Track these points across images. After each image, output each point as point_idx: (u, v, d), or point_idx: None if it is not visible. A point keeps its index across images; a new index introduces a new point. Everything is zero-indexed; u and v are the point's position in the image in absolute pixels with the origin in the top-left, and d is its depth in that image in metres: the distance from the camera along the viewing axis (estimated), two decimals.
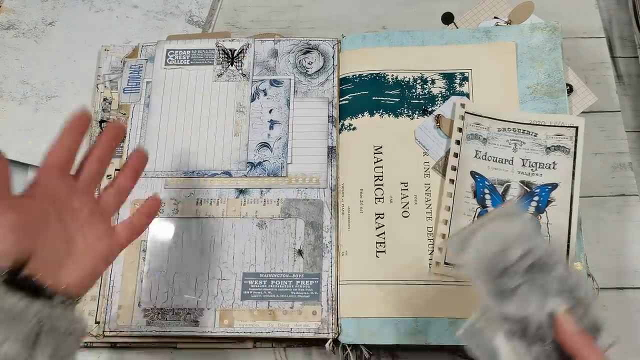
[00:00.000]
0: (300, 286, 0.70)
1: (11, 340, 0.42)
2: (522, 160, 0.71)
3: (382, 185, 0.73)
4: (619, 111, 0.78)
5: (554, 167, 0.71)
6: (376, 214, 0.72)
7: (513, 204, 0.60)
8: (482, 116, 0.73)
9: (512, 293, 0.51)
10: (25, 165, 0.79)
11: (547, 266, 0.51)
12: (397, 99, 0.76)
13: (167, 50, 0.81)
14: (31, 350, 0.43)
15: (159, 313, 0.70)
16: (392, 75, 0.77)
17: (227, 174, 0.75)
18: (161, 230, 0.73)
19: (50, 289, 0.47)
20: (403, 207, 0.72)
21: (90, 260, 0.52)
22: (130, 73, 0.81)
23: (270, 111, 0.78)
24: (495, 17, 0.82)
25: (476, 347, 0.52)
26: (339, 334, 0.68)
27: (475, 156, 0.72)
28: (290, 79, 0.79)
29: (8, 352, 0.42)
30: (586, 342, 0.50)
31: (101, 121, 0.79)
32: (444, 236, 0.69)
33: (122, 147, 0.77)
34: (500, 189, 0.71)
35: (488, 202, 0.70)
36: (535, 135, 0.72)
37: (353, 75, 0.78)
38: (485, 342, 0.52)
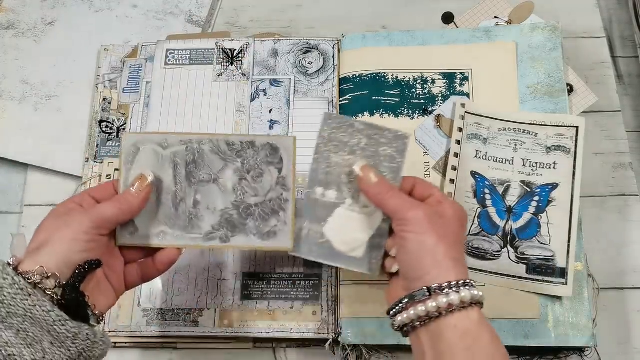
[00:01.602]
0: (300, 286, 0.70)
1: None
2: (523, 160, 0.71)
3: None
4: (620, 111, 0.78)
5: (554, 167, 0.71)
6: None
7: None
8: (482, 116, 0.73)
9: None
10: (24, 165, 0.79)
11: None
12: (397, 99, 0.76)
13: (167, 50, 0.81)
14: None
15: (158, 313, 0.70)
16: (392, 75, 0.77)
17: None
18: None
19: (95, 314, 0.52)
20: None
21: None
22: (130, 73, 0.81)
23: (270, 111, 0.78)
24: (495, 17, 0.82)
25: (309, 252, 0.59)
26: (338, 334, 0.68)
27: (476, 156, 0.72)
28: (290, 79, 0.79)
29: None
30: (384, 188, 0.55)
31: (101, 121, 0.79)
32: None
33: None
34: (500, 189, 0.71)
35: (488, 202, 0.70)
36: (535, 135, 0.72)
37: (353, 75, 0.78)
38: (314, 240, 0.59)
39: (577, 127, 0.71)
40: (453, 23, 0.84)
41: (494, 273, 0.68)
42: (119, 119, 0.79)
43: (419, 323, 0.50)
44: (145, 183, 0.57)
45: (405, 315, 0.50)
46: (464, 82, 0.76)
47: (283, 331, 0.69)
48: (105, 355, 0.51)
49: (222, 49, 0.81)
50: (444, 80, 0.77)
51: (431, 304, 0.49)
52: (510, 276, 0.68)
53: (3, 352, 0.45)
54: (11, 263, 0.49)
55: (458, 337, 0.48)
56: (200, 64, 0.81)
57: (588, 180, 0.72)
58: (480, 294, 0.49)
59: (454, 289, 0.49)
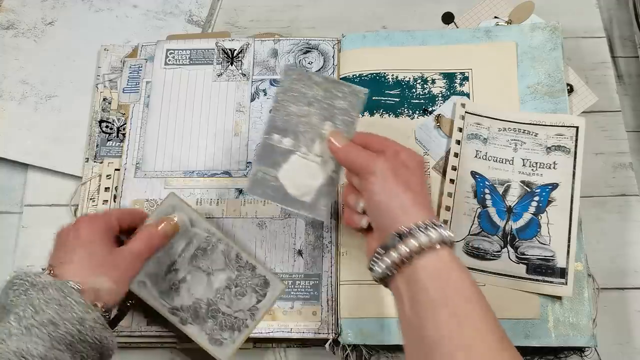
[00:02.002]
0: (300, 286, 0.70)
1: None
2: (523, 160, 0.71)
3: None
4: (620, 111, 0.78)
5: (554, 167, 0.71)
6: None
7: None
8: (482, 116, 0.73)
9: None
10: (24, 165, 0.79)
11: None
12: (397, 99, 0.76)
13: (167, 50, 0.81)
14: None
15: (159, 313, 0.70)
16: (393, 75, 0.77)
17: (227, 173, 0.75)
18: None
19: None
20: None
21: None
22: (130, 73, 0.81)
23: (270, 111, 0.78)
24: (495, 17, 0.82)
25: (263, 194, 0.63)
26: (338, 334, 0.68)
27: (476, 156, 0.72)
28: None
29: None
30: (350, 149, 0.59)
31: (101, 121, 0.79)
32: None
33: (122, 146, 0.77)
34: (500, 189, 0.71)
35: (488, 202, 0.70)
36: (535, 135, 0.72)
37: (353, 75, 0.78)
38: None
39: (577, 127, 0.71)
40: (453, 23, 0.84)
41: (494, 273, 0.68)
42: (119, 119, 0.79)
43: (395, 270, 0.52)
44: (172, 223, 0.66)
45: (382, 265, 0.53)
46: (464, 82, 0.76)
47: (283, 331, 0.69)
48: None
49: (222, 49, 0.81)
50: (444, 80, 0.77)
51: (402, 248, 0.51)
52: (510, 276, 0.67)
53: None
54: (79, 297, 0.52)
55: (429, 277, 0.50)
56: (200, 64, 0.80)
57: (588, 180, 0.72)
58: (450, 234, 0.51)
59: (422, 231, 0.50)
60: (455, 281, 0.50)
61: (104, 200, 0.75)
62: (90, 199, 0.75)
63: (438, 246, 0.50)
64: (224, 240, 0.69)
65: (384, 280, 0.54)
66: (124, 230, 0.63)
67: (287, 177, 0.63)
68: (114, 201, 0.75)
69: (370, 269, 0.55)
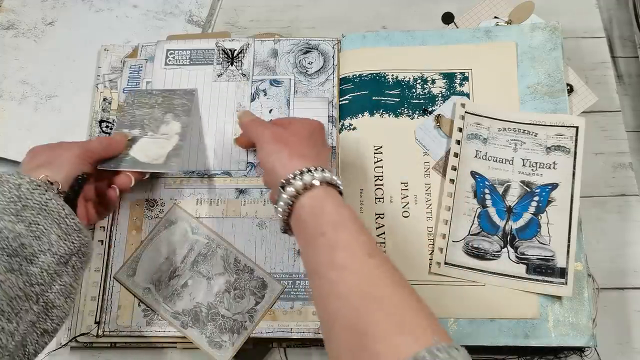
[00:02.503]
0: (300, 286, 0.70)
1: (52, 253, 0.53)
2: (523, 160, 0.71)
3: (382, 185, 0.73)
4: (619, 111, 0.78)
5: (554, 167, 0.71)
6: (376, 214, 0.72)
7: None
8: (482, 116, 0.73)
9: None
10: None
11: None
12: (397, 99, 0.76)
13: (167, 50, 0.81)
14: (62, 267, 0.54)
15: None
16: (392, 75, 0.77)
17: (227, 174, 0.75)
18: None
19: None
20: (403, 207, 0.72)
21: None
22: (130, 73, 0.81)
23: (270, 111, 0.78)
24: (495, 17, 0.82)
25: (116, 165, 0.69)
26: None
27: (476, 156, 0.72)
28: (290, 79, 0.79)
29: (45, 262, 0.52)
30: (251, 122, 0.68)
31: (101, 121, 0.79)
32: (444, 236, 0.69)
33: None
34: (500, 189, 0.71)
35: (488, 202, 0.70)
36: (535, 135, 0.72)
37: (353, 75, 0.78)
38: None
39: (577, 127, 0.71)
40: (453, 23, 0.84)
41: (493, 273, 0.68)
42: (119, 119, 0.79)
43: (287, 217, 0.58)
44: (125, 136, 0.71)
45: (278, 216, 0.58)
46: (464, 82, 0.76)
47: (283, 331, 0.68)
48: (91, 257, 0.59)
49: (222, 49, 0.81)
50: (444, 80, 0.77)
51: (283, 196, 0.56)
52: (510, 276, 0.67)
53: (16, 242, 0.51)
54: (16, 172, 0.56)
55: (307, 214, 0.56)
56: (200, 64, 0.80)
57: (588, 180, 0.72)
58: (325, 174, 0.57)
59: (298, 178, 0.56)
60: (329, 213, 0.55)
61: None
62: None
63: (317, 183, 0.56)
64: (222, 245, 0.72)
65: (287, 232, 0.60)
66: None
67: (138, 152, 0.71)
68: None
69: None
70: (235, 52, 0.81)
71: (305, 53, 0.80)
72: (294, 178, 0.56)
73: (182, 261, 0.71)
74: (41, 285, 0.52)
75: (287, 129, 0.64)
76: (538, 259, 0.68)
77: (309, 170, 0.57)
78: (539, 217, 0.69)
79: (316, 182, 0.56)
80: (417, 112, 0.76)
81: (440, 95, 0.76)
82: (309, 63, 0.80)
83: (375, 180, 0.73)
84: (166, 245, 0.72)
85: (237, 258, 0.71)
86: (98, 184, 0.67)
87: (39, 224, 0.53)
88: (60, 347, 0.70)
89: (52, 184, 0.57)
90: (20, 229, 0.51)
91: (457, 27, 0.83)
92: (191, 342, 0.69)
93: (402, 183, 0.73)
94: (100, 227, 0.74)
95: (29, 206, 0.53)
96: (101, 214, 0.68)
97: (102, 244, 0.73)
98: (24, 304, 0.50)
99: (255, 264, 0.71)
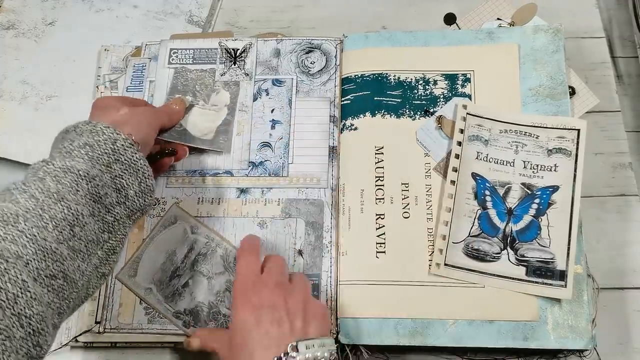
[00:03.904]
0: None
1: (126, 206, 0.58)
2: (524, 162, 0.72)
3: (383, 185, 0.73)
4: (619, 111, 0.78)
5: (555, 170, 0.71)
6: (377, 215, 0.72)
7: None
8: (483, 118, 0.73)
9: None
10: (25, 165, 0.79)
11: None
12: (399, 100, 0.76)
13: (171, 50, 0.81)
14: (128, 220, 0.59)
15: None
16: (394, 76, 0.77)
17: (229, 173, 0.75)
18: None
19: None
20: (404, 208, 0.72)
21: None
22: (134, 72, 0.81)
23: (272, 111, 0.78)
24: (498, 19, 0.82)
25: (169, 136, 0.75)
26: (338, 334, 0.68)
27: (477, 158, 0.72)
28: (292, 79, 0.79)
29: (119, 213, 0.57)
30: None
31: None
32: (444, 237, 0.69)
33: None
34: (501, 191, 0.71)
35: (489, 204, 0.70)
36: (536, 138, 0.72)
37: (355, 75, 0.78)
38: None
39: (578, 130, 0.72)
40: (455, 24, 0.83)
41: (493, 275, 0.68)
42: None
43: None
44: (184, 103, 0.76)
45: None
46: (465, 84, 0.76)
47: None
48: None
49: (225, 49, 0.81)
50: (446, 82, 0.77)
51: None
52: (509, 278, 0.68)
53: (103, 190, 0.55)
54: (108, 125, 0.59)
55: None
56: (203, 64, 0.80)
57: (588, 181, 0.72)
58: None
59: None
60: None
61: None
62: None
63: None
64: (222, 244, 0.72)
65: None
66: None
67: (190, 123, 0.76)
68: None
69: None
70: (238, 52, 0.81)
71: (307, 53, 0.80)
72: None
73: (182, 261, 0.71)
74: (110, 233, 0.56)
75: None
76: (538, 261, 0.68)
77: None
78: (540, 220, 0.69)
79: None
80: (418, 113, 0.76)
81: (442, 96, 0.76)
82: (311, 63, 0.80)
83: (376, 181, 0.73)
84: (166, 245, 0.72)
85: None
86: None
87: (122, 178, 0.57)
88: (60, 347, 0.70)
89: (136, 142, 0.60)
90: (107, 179, 0.56)
91: (460, 28, 0.83)
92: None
93: (402, 184, 0.73)
94: None
95: (120, 161, 0.57)
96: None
97: None
98: (95, 248, 0.54)
99: None
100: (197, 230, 0.72)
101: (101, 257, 0.55)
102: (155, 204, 0.74)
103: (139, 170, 0.58)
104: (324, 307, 0.61)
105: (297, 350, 0.54)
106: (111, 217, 0.56)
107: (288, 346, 0.54)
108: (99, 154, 0.56)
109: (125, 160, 0.57)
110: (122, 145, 0.58)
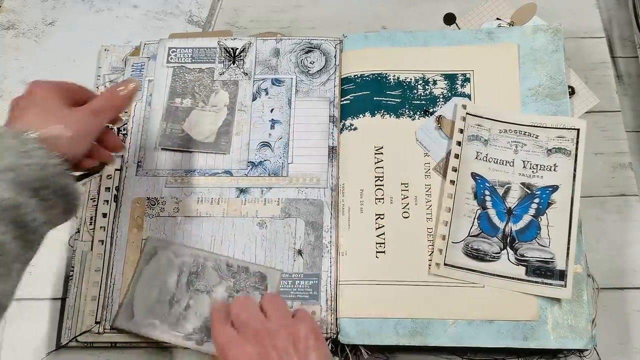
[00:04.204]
0: (300, 286, 0.70)
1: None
2: (523, 162, 0.72)
3: (383, 185, 0.73)
4: (619, 111, 0.78)
5: (554, 169, 0.71)
6: (376, 215, 0.72)
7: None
8: (483, 117, 0.73)
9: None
10: None
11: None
12: (398, 100, 0.76)
13: (169, 49, 0.81)
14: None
15: None
16: (394, 76, 0.77)
17: (228, 173, 0.75)
18: (162, 228, 0.73)
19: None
20: (403, 208, 0.72)
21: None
22: (133, 71, 0.81)
23: (272, 110, 0.78)
24: (497, 19, 0.82)
25: (172, 145, 0.76)
26: (338, 334, 0.68)
27: (476, 157, 0.72)
28: (291, 78, 0.79)
29: (45, 230, 0.53)
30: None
31: None
32: (444, 237, 0.69)
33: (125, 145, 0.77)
34: (500, 191, 0.71)
35: (489, 204, 0.70)
36: (536, 137, 0.72)
37: (355, 75, 0.78)
38: None
39: (578, 130, 0.72)
40: (455, 24, 0.83)
41: (493, 274, 0.68)
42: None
43: None
44: (131, 85, 0.62)
45: None
46: (465, 84, 0.76)
47: None
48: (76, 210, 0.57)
49: (224, 48, 0.81)
50: (446, 82, 0.77)
51: None
52: (509, 278, 0.68)
53: (29, 217, 0.50)
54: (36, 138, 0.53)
55: None
56: (202, 63, 0.80)
57: (588, 181, 0.72)
58: None
59: None
60: None
61: (105, 201, 0.75)
62: (91, 199, 0.75)
63: None
64: (210, 257, 0.71)
65: None
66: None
67: (191, 127, 0.76)
68: (115, 201, 0.75)
69: None
70: (237, 51, 0.81)
71: (307, 52, 0.80)
72: None
73: (176, 286, 0.70)
74: (31, 249, 0.52)
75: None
76: (537, 261, 0.68)
77: None
78: (539, 219, 0.69)
79: None
80: (418, 113, 0.76)
81: (441, 96, 0.76)
82: (310, 62, 0.80)
83: (376, 181, 0.73)
84: (155, 278, 0.71)
85: (228, 263, 0.71)
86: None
87: (49, 201, 0.52)
88: (60, 347, 0.70)
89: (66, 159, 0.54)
90: (32, 204, 0.50)
91: (459, 28, 0.83)
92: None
93: (402, 184, 0.73)
94: (101, 227, 0.74)
95: (49, 187, 0.52)
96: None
97: (102, 243, 0.73)
98: (19, 265, 0.51)
99: (247, 262, 0.71)
100: (180, 252, 0.72)
101: (20, 269, 0.51)
102: (155, 204, 0.74)
103: (68, 194, 0.54)
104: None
105: None
106: (36, 236, 0.52)
107: None
108: (25, 181, 0.50)
109: (55, 186, 0.52)
110: (52, 172, 0.52)
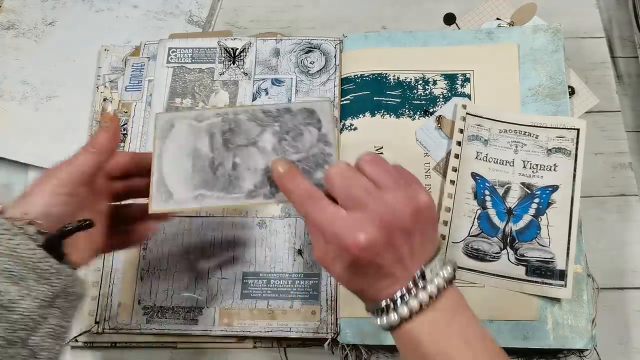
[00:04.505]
0: (300, 286, 0.70)
1: (32, 298, 0.48)
2: (523, 162, 0.72)
3: None
4: (619, 111, 0.78)
5: (554, 169, 0.71)
6: None
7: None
8: (483, 117, 0.74)
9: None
10: (25, 165, 0.79)
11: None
12: (398, 100, 0.76)
13: (169, 49, 0.81)
14: (46, 310, 0.49)
15: (158, 311, 0.70)
16: (394, 76, 0.77)
17: None
18: (161, 228, 0.73)
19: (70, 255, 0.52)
20: None
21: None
22: (133, 71, 0.81)
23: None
24: (497, 19, 0.82)
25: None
26: (337, 334, 0.68)
27: (476, 157, 0.72)
28: (291, 78, 0.79)
29: (26, 308, 0.48)
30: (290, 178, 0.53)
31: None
32: (444, 237, 0.69)
33: (123, 145, 0.77)
34: (500, 191, 0.71)
35: (488, 204, 0.70)
36: (536, 137, 0.72)
37: (355, 75, 0.78)
38: None
39: (578, 130, 0.72)
40: (455, 24, 0.83)
41: (493, 274, 0.68)
42: (119, 119, 0.79)
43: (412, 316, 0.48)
44: (110, 117, 0.58)
45: (404, 309, 0.47)
46: (465, 84, 0.76)
47: (282, 330, 0.69)
48: (84, 295, 0.53)
49: (224, 48, 0.81)
50: (446, 82, 0.77)
51: (422, 294, 0.47)
52: (509, 278, 0.68)
53: None
54: None
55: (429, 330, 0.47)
56: (202, 63, 0.80)
57: (588, 181, 0.72)
58: (447, 271, 0.48)
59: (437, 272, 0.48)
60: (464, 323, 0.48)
61: None
62: None
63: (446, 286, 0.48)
64: (239, 110, 0.60)
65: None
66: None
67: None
68: None
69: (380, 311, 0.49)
70: (237, 51, 0.81)
71: (307, 52, 0.80)
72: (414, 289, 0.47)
73: (211, 150, 0.58)
74: (25, 331, 0.48)
75: (387, 214, 0.48)
76: (538, 260, 0.68)
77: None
78: (539, 219, 0.69)
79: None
80: (418, 112, 0.76)
81: (441, 96, 0.76)
82: (310, 63, 0.80)
83: None
84: (181, 150, 0.59)
85: (264, 109, 0.60)
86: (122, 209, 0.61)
87: (12, 271, 0.48)
88: None
89: (30, 223, 0.50)
90: None
91: (459, 28, 0.83)
92: (191, 342, 0.69)
93: None
94: None
95: (4, 253, 0.47)
96: (125, 245, 0.63)
97: None
98: (8, 351, 0.47)
99: (284, 103, 0.66)
100: (203, 116, 0.60)
101: (26, 355, 0.48)
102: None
103: (23, 257, 0.48)
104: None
105: (425, 278, 0.47)
106: (17, 315, 0.47)
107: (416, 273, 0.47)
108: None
109: (3, 250, 0.48)
110: (27, 256, 0.48)
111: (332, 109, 0.62)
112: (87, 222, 0.52)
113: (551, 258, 0.68)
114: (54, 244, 0.50)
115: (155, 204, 0.57)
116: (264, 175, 0.57)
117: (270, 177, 0.56)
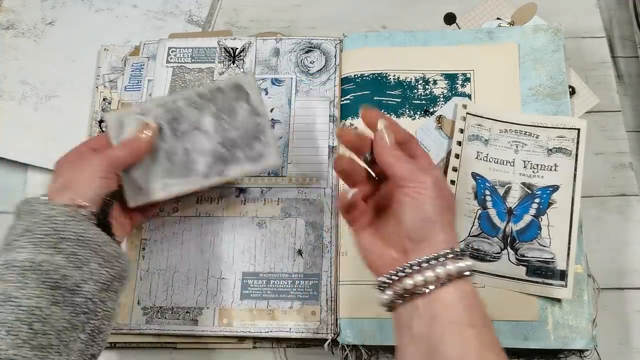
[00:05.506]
0: (300, 286, 0.70)
1: (94, 281, 0.52)
2: (524, 162, 0.71)
3: None
4: (620, 111, 0.78)
5: (555, 169, 0.71)
6: None
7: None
8: (483, 117, 0.73)
9: None
10: (24, 165, 0.79)
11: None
12: (398, 99, 0.76)
13: (169, 48, 0.81)
14: (105, 294, 0.54)
15: (158, 312, 0.70)
16: (394, 76, 0.77)
17: None
18: (161, 228, 0.73)
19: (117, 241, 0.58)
20: None
21: None
22: (132, 71, 0.81)
23: (272, 110, 0.78)
24: (498, 18, 0.82)
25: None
26: (337, 334, 0.68)
27: (477, 157, 0.72)
28: (291, 78, 0.79)
29: (89, 291, 0.52)
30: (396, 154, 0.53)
31: (101, 121, 0.79)
32: None
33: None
34: (501, 191, 0.71)
35: (489, 204, 0.70)
36: (536, 137, 0.72)
37: (355, 75, 0.78)
38: None
39: (578, 129, 0.72)
40: (455, 24, 0.83)
41: (493, 275, 0.68)
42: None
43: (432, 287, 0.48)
44: (149, 128, 0.63)
45: (420, 278, 0.48)
46: (465, 83, 0.76)
47: (282, 331, 0.69)
48: (129, 278, 0.58)
49: (224, 48, 0.81)
50: (446, 81, 0.77)
51: (441, 269, 0.48)
52: (510, 278, 0.68)
53: (58, 274, 0.50)
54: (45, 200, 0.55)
55: (458, 297, 0.48)
56: (202, 63, 0.80)
57: (588, 180, 0.72)
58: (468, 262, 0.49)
59: (459, 257, 0.49)
60: (480, 306, 0.49)
61: None
62: None
63: (468, 273, 0.48)
64: (177, 98, 0.66)
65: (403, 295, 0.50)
66: None
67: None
68: None
69: (392, 279, 0.50)
70: (237, 51, 0.81)
71: (307, 52, 0.80)
72: (458, 254, 0.49)
73: (163, 140, 0.65)
74: (87, 314, 0.51)
75: (440, 180, 0.52)
76: (538, 261, 0.68)
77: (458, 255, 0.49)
78: (540, 219, 0.69)
79: (467, 273, 0.48)
80: (418, 112, 0.76)
81: (441, 96, 0.76)
82: (310, 62, 0.80)
83: None
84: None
85: (199, 92, 0.66)
86: None
87: (77, 255, 0.52)
88: None
89: (80, 207, 0.55)
90: (60, 261, 0.51)
91: (460, 28, 0.83)
92: (191, 342, 0.69)
93: None
94: None
95: (66, 238, 0.52)
96: (140, 220, 0.70)
97: None
98: (72, 335, 0.50)
99: (212, 84, 0.72)
100: (146, 110, 0.65)
101: (85, 339, 0.51)
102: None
103: (90, 241, 0.53)
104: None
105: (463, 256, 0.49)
106: (80, 298, 0.51)
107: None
108: (41, 238, 0.51)
109: (70, 235, 0.52)
110: (62, 220, 0.52)
111: (254, 79, 0.66)
112: (111, 200, 0.59)
113: (551, 258, 0.68)
114: (102, 222, 0.56)
115: (130, 200, 0.63)
116: (213, 155, 0.65)
117: (219, 156, 0.65)
